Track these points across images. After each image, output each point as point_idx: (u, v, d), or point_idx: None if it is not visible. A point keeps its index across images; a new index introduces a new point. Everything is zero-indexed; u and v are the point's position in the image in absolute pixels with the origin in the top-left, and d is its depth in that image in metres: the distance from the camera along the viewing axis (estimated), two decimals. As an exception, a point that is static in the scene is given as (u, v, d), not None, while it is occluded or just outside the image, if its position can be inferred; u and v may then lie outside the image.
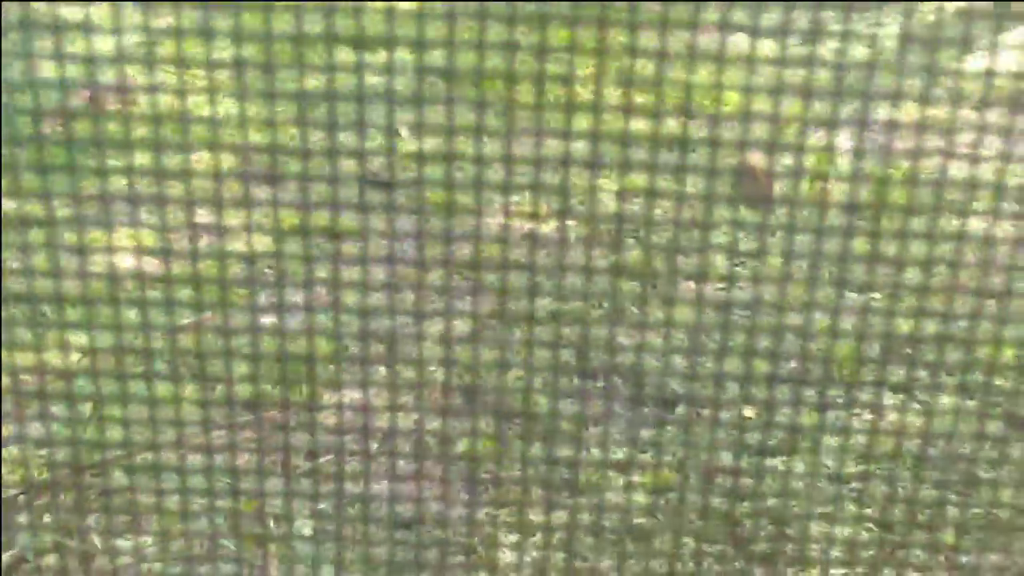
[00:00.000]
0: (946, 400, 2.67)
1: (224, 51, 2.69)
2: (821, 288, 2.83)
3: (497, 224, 3.17)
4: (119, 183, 2.29)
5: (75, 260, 2.10)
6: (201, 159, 2.98)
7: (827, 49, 2.52)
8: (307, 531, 2.39)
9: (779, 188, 3.41)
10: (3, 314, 2.23)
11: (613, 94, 3.53)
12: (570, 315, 3.00)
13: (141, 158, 2.29)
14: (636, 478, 2.60)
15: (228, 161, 3.30)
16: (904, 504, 2.53)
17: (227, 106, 3.40)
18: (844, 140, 3.71)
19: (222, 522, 2.36)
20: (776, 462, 2.62)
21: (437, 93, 2.63)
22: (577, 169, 2.83)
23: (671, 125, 2.98)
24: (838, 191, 3.35)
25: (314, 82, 2.52)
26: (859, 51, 3.91)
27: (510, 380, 2.74)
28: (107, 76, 2.94)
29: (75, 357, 2.64)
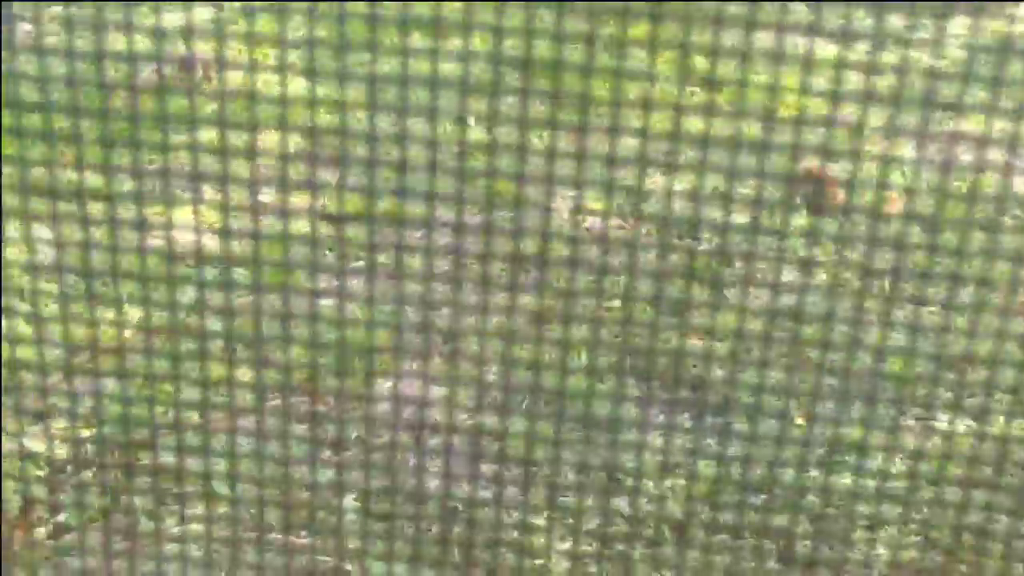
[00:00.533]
0: (999, 421, 2.61)
1: (297, 31, 2.66)
2: (879, 300, 2.77)
3: (563, 221, 3.12)
4: (184, 159, 2.26)
5: (135, 235, 2.07)
6: (268, 138, 2.95)
7: (907, 55, 2.45)
8: (354, 518, 2.36)
9: (843, 197, 3.34)
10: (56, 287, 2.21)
11: (687, 93, 3.47)
12: (633, 318, 2.95)
13: (207, 134, 2.26)
14: (679, 483, 2.55)
15: (295, 142, 3.27)
16: (953, 528, 2.46)
17: (297, 85, 3.37)
18: (909, 151, 3.62)
19: (268, 508, 2.34)
20: (833, 478, 2.56)
21: (511, 83, 2.59)
22: (649, 168, 2.78)
23: (741, 127, 2.91)
24: (903, 202, 3.27)
25: (387, 67, 2.48)
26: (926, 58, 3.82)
27: (570, 381, 2.70)
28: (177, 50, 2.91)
29: (128, 333, 2.63)
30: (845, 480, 2.53)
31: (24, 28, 2.66)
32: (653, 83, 3.20)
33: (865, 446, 2.52)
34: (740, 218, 2.82)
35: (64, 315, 2.13)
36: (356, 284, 2.64)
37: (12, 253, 2.51)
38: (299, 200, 2.81)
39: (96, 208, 2.19)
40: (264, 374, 2.43)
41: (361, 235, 2.82)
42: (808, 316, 2.83)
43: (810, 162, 3.19)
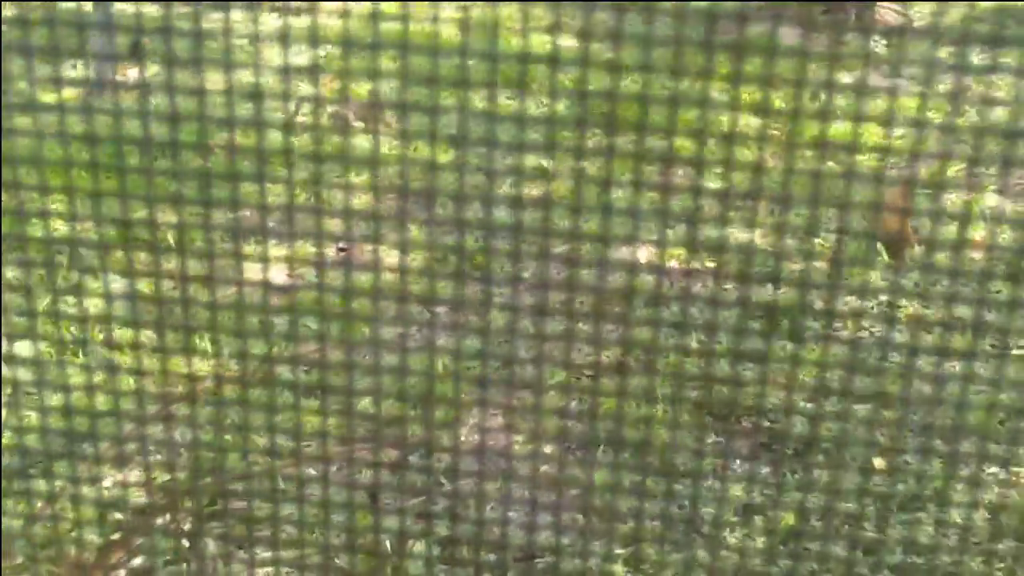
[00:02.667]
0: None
1: (392, 60, 2.70)
2: (957, 335, 2.74)
3: (630, 255, 3.13)
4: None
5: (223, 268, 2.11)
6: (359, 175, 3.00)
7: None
8: (422, 551, 2.36)
9: (915, 231, 3.32)
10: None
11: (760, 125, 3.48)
12: (698, 351, 2.94)
13: (303, 171, 2.30)
14: (758, 521, 2.52)
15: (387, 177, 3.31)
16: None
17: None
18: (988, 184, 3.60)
19: (337, 539, 2.35)
20: (908, 516, 2.52)
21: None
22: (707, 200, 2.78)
23: (807, 158, 2.92)
24: (981, 237, 3.25)
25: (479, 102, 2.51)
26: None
27: (636, 413, 2.69)
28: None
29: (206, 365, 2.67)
30: (927, 530, 2.50)
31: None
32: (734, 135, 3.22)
33: (946, 499, 2.49)
34: (819, 268, 2.82)
35: (138, 365, 2.17)
36: (432, 335, 2.66)
37: (89, 305, 2.56)
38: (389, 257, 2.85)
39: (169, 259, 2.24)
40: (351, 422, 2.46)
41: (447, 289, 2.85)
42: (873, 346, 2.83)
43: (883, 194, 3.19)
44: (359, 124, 3.69)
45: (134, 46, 4.13)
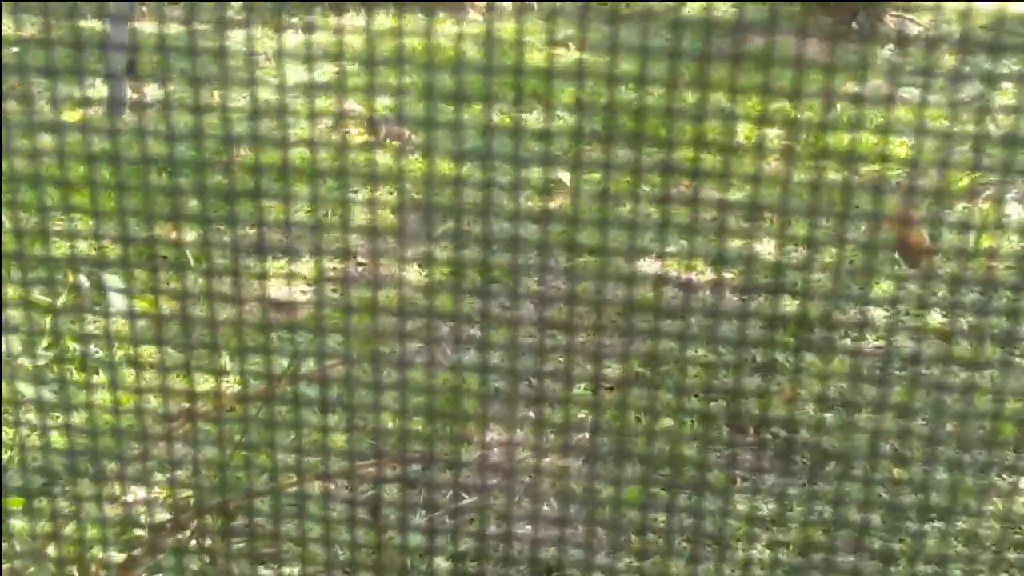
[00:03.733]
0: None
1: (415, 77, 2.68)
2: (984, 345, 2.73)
3: (652, 269, 3.13)
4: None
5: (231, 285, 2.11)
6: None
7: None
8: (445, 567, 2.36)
9: (931, 243, 3.31)
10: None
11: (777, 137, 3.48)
12: (721, 365, 2.93)
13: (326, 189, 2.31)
14: (779, 534, 2.51)
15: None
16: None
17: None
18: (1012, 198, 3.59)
19: (362, 555, 2.34)
20: (930, 526, 2.51)
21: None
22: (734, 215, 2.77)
23: (831, 173, 2.91)
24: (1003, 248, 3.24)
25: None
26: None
27: (659, 427, 2.69)
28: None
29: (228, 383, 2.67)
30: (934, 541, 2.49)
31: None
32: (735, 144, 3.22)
33: (954, 509, 2.48)
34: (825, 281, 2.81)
35: (163, 384, 2.17)
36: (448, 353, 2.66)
37: (115, 324, 2.56)
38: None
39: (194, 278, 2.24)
40: (360, 440, 2.45)
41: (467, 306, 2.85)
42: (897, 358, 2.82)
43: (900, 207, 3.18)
44: (384, 138, 3.71)
45: (130, 65, 4.17)
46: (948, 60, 3.03)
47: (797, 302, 3.19)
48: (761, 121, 2.50)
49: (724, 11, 3.91)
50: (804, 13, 4.65)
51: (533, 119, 3.59)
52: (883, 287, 3.22)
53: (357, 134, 3.68)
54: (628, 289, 2.58)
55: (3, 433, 2.23)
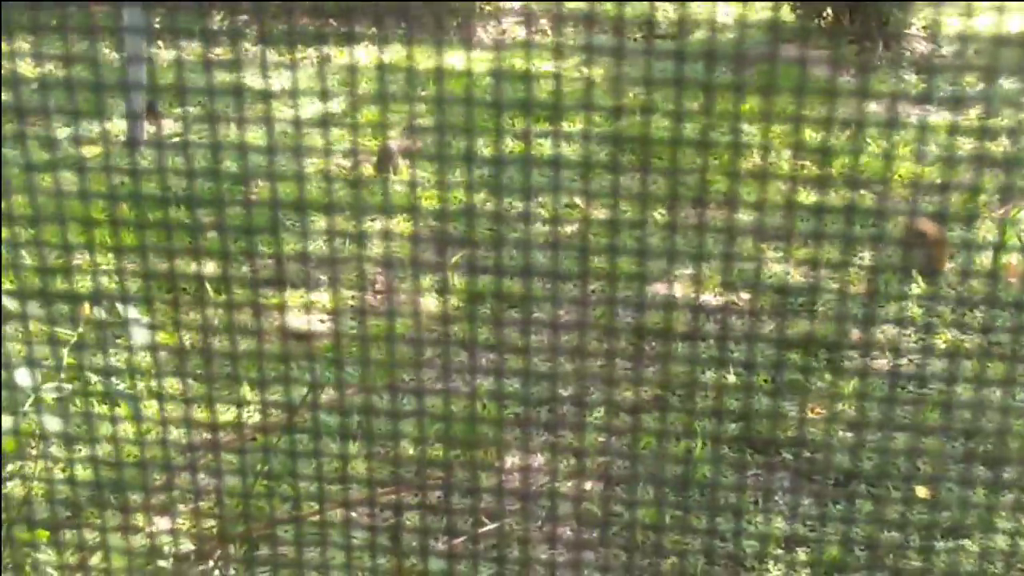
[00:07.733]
0: None
1: (426, 116, 2.72)
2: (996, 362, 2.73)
3: (665, 292, 3.14)
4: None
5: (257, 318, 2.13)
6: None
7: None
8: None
9: (951, 258, 3.31)
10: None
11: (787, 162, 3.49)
12: (735, 386, 2.94)
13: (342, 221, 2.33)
14: (800, 554, 2.51)
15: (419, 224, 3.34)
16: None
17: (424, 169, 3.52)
18: None
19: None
20: (948, 544, 2.51)
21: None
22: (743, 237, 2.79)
23: (841, 194, 2.93)
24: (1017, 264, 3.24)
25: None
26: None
27: (673, 448, 2.69)
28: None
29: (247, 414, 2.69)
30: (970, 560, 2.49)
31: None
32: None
33: (991, 527, 2.47)
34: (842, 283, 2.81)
35: (186, 413, 2.19)
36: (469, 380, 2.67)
37: (136, 359, 2.58)
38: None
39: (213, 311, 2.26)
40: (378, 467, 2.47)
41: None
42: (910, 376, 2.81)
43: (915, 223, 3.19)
44: (403, 164, 3.74)
45: (150, 106, 4.22)
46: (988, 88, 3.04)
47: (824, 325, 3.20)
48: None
49: (753, 38, 3.94)
50: (831, 41, 4.68)
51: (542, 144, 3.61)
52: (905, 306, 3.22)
53: (370, 165, 3.71)
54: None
55: (25, 466, 2.25)
